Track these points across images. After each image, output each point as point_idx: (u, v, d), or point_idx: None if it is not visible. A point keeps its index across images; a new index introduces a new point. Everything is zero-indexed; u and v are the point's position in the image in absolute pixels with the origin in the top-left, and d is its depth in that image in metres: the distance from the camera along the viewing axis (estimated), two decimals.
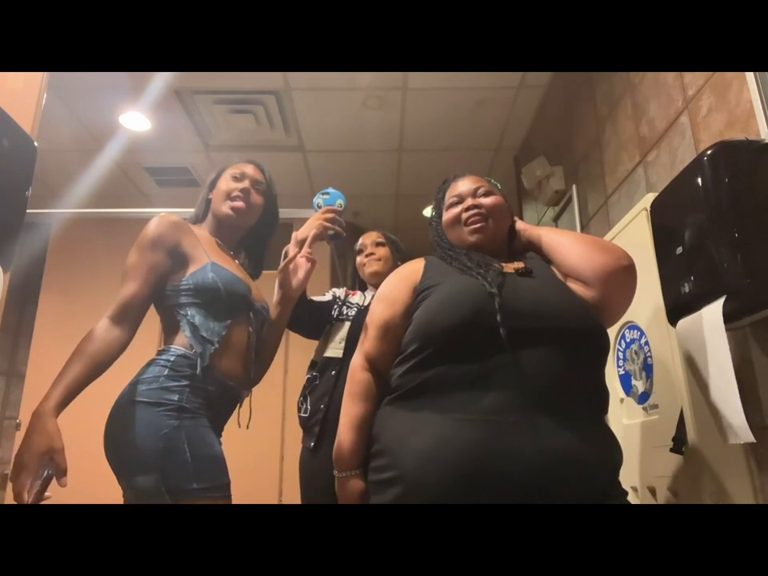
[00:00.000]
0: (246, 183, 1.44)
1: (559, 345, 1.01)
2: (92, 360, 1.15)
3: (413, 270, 1.21)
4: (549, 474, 0.90)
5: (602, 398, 1.07)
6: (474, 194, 1.27)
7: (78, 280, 2.93)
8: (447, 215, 1.30)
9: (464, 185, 1.30)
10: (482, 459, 0.91)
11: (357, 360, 1.17)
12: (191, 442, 1.14)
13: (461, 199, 1.28)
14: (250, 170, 1.49)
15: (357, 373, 1.16)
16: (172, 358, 1.21)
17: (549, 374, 0.98)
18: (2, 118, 1.13)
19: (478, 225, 1.23)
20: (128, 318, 1.23)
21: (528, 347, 1.00)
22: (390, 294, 1.18)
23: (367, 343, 1.16)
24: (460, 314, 1.02)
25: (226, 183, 1.44)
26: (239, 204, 1.41)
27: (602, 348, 1.07)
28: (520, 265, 1.17)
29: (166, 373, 1.19)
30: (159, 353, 1.24)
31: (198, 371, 1.21)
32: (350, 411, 1.14)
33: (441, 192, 1.37)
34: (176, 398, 1.17)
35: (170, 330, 1.29)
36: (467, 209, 1.25)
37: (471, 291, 1.05)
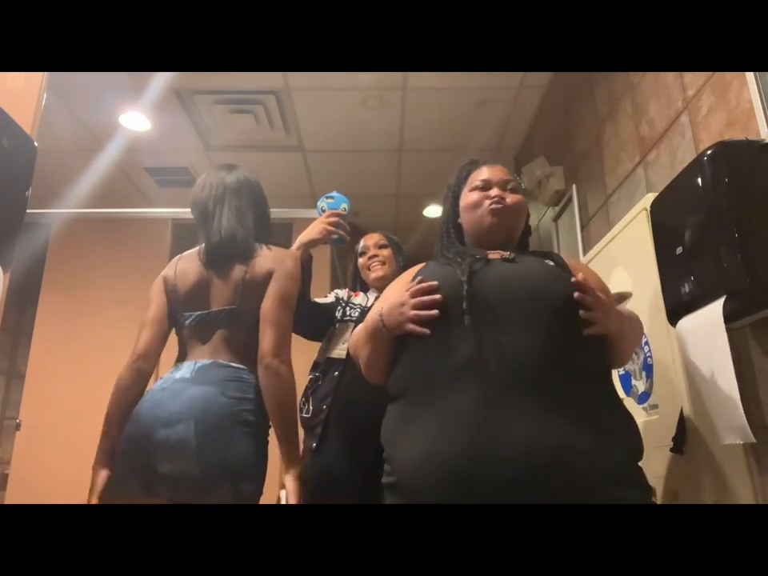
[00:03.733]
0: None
1: (539, 321, 0.99)
2: None
3: (411, 274, 1.21)
4: (536, 469, 0.88)
5: (596, 372, 1.03)
6: (503, 186, 1.25)
7: (78, 280, 2.93)
8: (468, 198, 1.26)
9: (494, 173, 1.27)
10: (470, 461, 0.90)
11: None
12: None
13: (487, 186, 1.25)
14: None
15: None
16: (255, 382, 1.30)
17: (531, 358, 0.97)
18: (2, 118, 1.13)
19: (497, 213, 1.21)
20: None
21: (506, 331, 0.99)
22: (393, 296, 1.19)
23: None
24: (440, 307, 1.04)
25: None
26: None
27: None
28: (506, 253, 1.16)
29: (254, 397, 1.28)
30: (245, 371, 1.31)
31: None
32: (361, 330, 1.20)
33: (465, 171, 1.33)
34: (268, 421, 1.31)
35: (247, 349, 1.33)
36: (493, 197, 1.22)
37: (443, 285, 1.06)
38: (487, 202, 1.22)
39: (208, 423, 1.19)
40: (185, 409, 1.19)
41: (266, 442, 1.30)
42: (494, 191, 1.23)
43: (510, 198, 1.23)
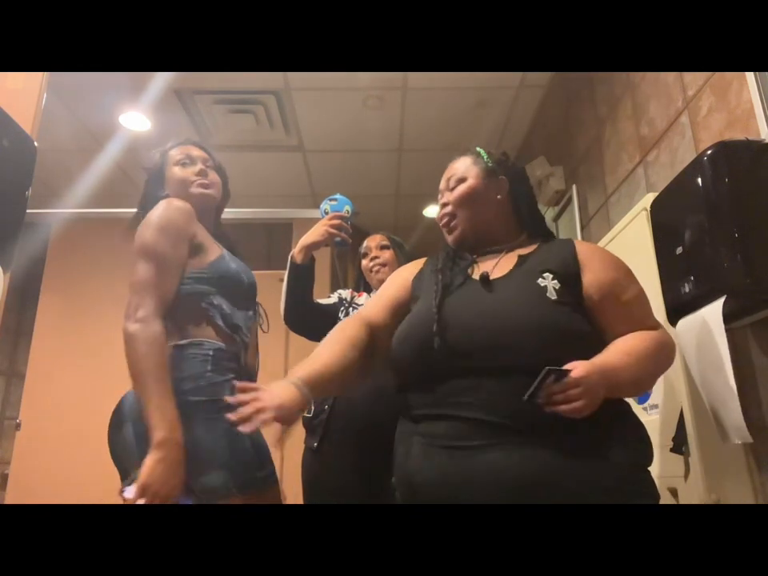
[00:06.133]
0: (199, 165, 1.34)
1: (519, 361, 0.91)
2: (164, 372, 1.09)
3: (412, 271, 1.18)
4: (516, 494, 0.86)
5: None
6: (447, 188, 1.15)
7: (78, 280, 2.93)
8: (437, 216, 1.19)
9: (444, 175, 1.17)
10: (444, 489, 0.91)
11: (353, 317, 1.11)
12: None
13: (441, 195, 1.17)
14: (194, 151, 1.38)
15: (349, 322, 1.08)
16: (211, 352, 1.16)
17: (506, 402, 0.89)
18: (2, 118, 1.13)
19: (448, 226, 1.13)
20: (165, 311, 1.15)
21: (484, 375, 0.92)
22: (401, 279, 1.17)
23: (370, 309, 1.11)
24: (407, 353, 1.01)
25: (178, 172, 1.33)
26: (203, 187, 1.33)
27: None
28: (487, 268, 1.05)
29: (209, 368, 1.14)
30: (188, 346, 1.16)
31: (242, 363, 1.22)
32: (323, 347, 1.02)
33: None
34: (227, 393, 1.10)
35: (189, 320, 1.19)
36: (440, 208, 1.15)
37: (420, 327, 0.99)
38: (438, 215, 1.16)
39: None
40: (128, 409, 1.13)
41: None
42: (441, 197, 1.15)
43: (451, 197, 1.13)
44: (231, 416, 0.83)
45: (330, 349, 1.00)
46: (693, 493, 1.30)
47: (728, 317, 1.18)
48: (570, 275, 1.01)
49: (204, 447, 1.07)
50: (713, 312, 1.20)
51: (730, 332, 1.19)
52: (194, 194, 1.31)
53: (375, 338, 1.07)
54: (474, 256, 1.11)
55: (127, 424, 1.12)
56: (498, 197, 1.12)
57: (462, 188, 1.12)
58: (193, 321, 1.19)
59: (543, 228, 1.18)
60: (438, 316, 0.97)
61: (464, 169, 1.14)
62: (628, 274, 1.06)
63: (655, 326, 1.04)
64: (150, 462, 1.01)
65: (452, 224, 1.13)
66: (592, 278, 1.01)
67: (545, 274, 1.00)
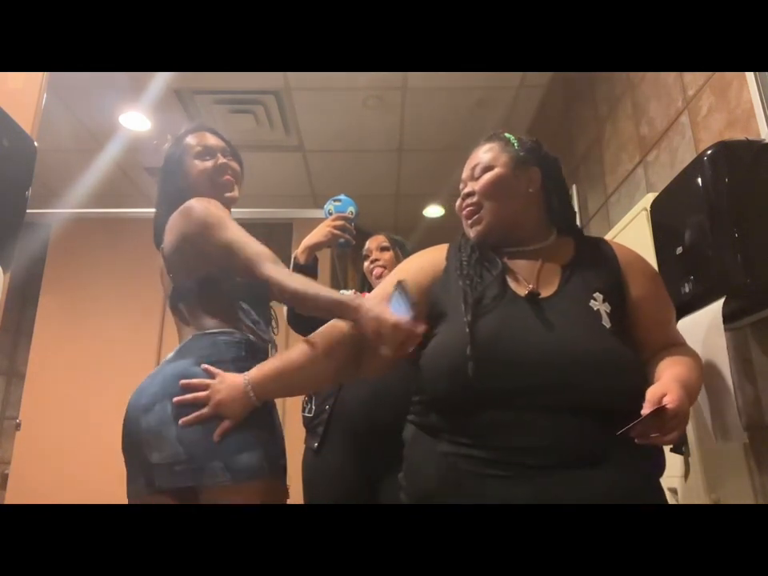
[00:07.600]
0: (219, 158, 1.31)
1: (570, 407, 0.85)
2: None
3: (429, 270, 1.06)
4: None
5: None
6: (472, 177, 1.06)
7: (78, 280, 2.93)
8: (457, 207, 1.10)
9: (468, 163, 1.08)
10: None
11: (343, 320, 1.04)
12: (277, 420, 1.19)
13: (464, 185, 1.08)
14: (210, 140, 1.34)
15: (335, 326, 1.01)
16: (244, 340, 1.18)
17: (553, 436, 0.84)
18: (2, 118, 1.13)
19: (472, 218, 1.04)
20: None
21: (533, 411, 0.85)
22: (412, 276, 1.04)
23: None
24: (437, 378, 0.93)
25: (199, 165, 1.30)
26: (231, 190, 1.31)
27: (635, 410, 0.82)
28: (532, 286, 0.95)
29: (243, 355, 1.16)
30: (219, 334, 1.17)
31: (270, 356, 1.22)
32: (296, 352, 1.02)
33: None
34: None
35: (220, 315, 1.20)
36: (462, 198, 1.06)
37: (453, 350, 0.90)
38: (458, 206, 1.08)
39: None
40: (159, 389, 1.11)
41: (271, 402, 1.17)
42: (464, 188, 1.06)
43: (477, 187, 1.03)
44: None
45: (296, 354, 1.03)
46: (693, 493, 1.30)
47: (728, 317, 1.18)
48: (617, 293, 0.98)
49: (248, 426, 1.08)
50: (713, 312, 1.20)
51: (730, 332, 1.19)
52: (222, 198, 1.28)
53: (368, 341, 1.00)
54: (504, 258, 1.01)
55: (163, 402, 1.09)
56: (530, 190, 1.04)
57: (489, 176, 1.02)
58: (225, 317, 1.20)
59: (574, 225, 1.12)
60: (473, 338, 0.88)
61: (491, 156, 1.04)
62: (664, 286, 1.06)
63: (683, 340, 1.06)
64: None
65: (476, 216, 1.03)
66: (636, 295, 0.99)
67: (595, 295, 0.95)
